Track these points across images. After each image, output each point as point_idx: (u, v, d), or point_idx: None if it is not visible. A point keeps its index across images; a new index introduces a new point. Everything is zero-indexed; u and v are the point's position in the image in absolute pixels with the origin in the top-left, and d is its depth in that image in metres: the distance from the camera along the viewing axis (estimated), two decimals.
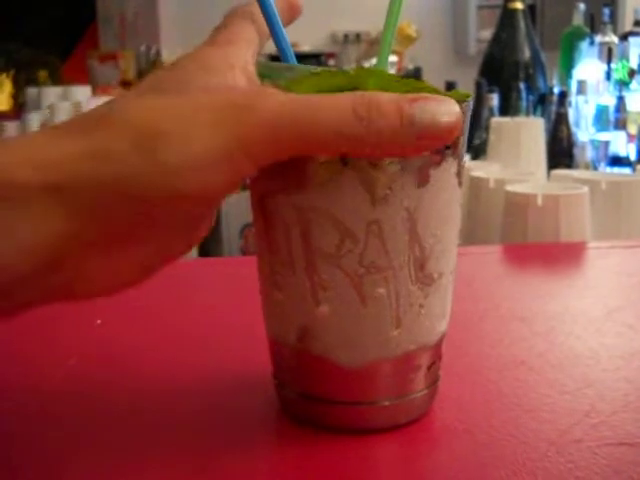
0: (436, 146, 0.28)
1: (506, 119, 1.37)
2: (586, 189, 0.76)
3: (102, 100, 0.30)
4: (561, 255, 0.70)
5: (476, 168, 1.01)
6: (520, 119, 1.46)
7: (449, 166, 0.31)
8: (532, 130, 1.20)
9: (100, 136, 0.25)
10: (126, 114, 0.26)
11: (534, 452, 0.31)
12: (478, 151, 1.45)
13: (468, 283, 0.58)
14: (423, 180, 0.30)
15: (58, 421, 0.35)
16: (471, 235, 0.94)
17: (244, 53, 0.30)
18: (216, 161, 0.26)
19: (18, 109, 2.41)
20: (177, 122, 0.26)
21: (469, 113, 0.32)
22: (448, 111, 0.27)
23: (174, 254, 0.29)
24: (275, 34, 0.32)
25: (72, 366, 0.41)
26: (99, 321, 0.48)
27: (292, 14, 0.34)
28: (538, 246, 0.74)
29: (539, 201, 0.73)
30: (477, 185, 0.93)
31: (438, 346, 0.34)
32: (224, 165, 0.26)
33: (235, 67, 0.29)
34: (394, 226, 0.30)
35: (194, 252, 2.82)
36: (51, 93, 2.14)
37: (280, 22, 0.32)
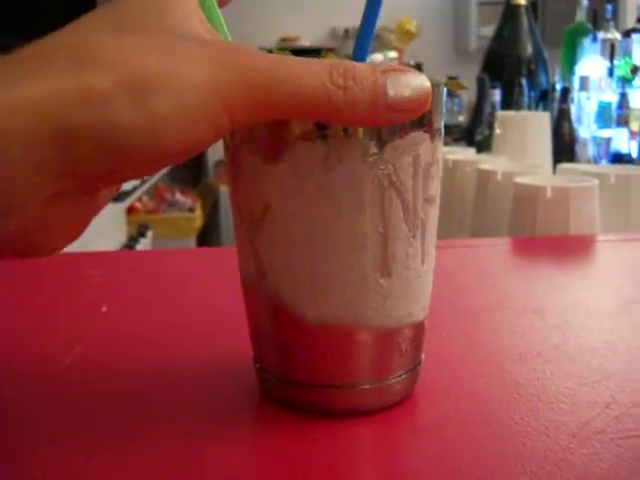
0: (405, 119, 0.28)
1: (512, 112, 1.36)
2: (596, 182, 0.75)
3: None
4: (571, 248, 0.69)
5: (483, 161, 1.00)
6: (526, 112, 1.45)
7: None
8: (538, 124, 1.20)
9: (85, 79, 0.23)
10: (108, 53, 0.24)
11: (555, 444, 0.30)
12: (481, 146, 1.44)
13: (477, 275, 0.58)
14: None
15: (60, 407, 0.34)
16: (479, 227, 0.93)
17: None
18: (202, 116, 0.24)
19: None
20: (166, 71, 0.24)
21: (443, 97, 0.32)
22: (419, 85, 0.27)
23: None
24: (364, 30, 0.31)
25: (77, 354, 0.40)
26: (104, 308, 0.47)
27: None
28: (547, 239, 0.73)
29: (549, 193, 0.72)
30: (484, 177, 0.92)
31: (415, 328, 0.33)
32: (209, 119, 0.25)
33: (191, 14, 0.27)
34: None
35: (193, 242, 2.82)
36: None
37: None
